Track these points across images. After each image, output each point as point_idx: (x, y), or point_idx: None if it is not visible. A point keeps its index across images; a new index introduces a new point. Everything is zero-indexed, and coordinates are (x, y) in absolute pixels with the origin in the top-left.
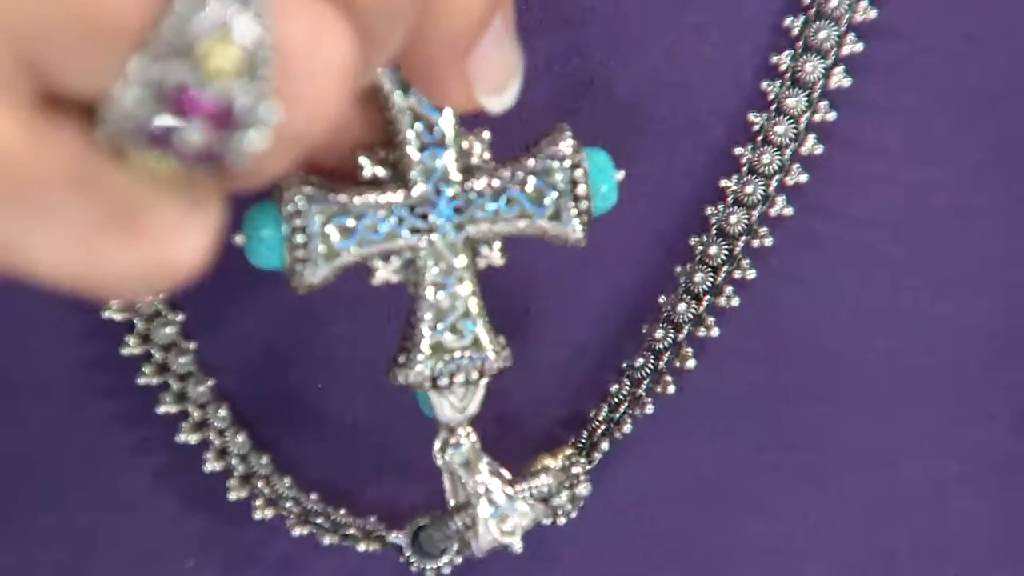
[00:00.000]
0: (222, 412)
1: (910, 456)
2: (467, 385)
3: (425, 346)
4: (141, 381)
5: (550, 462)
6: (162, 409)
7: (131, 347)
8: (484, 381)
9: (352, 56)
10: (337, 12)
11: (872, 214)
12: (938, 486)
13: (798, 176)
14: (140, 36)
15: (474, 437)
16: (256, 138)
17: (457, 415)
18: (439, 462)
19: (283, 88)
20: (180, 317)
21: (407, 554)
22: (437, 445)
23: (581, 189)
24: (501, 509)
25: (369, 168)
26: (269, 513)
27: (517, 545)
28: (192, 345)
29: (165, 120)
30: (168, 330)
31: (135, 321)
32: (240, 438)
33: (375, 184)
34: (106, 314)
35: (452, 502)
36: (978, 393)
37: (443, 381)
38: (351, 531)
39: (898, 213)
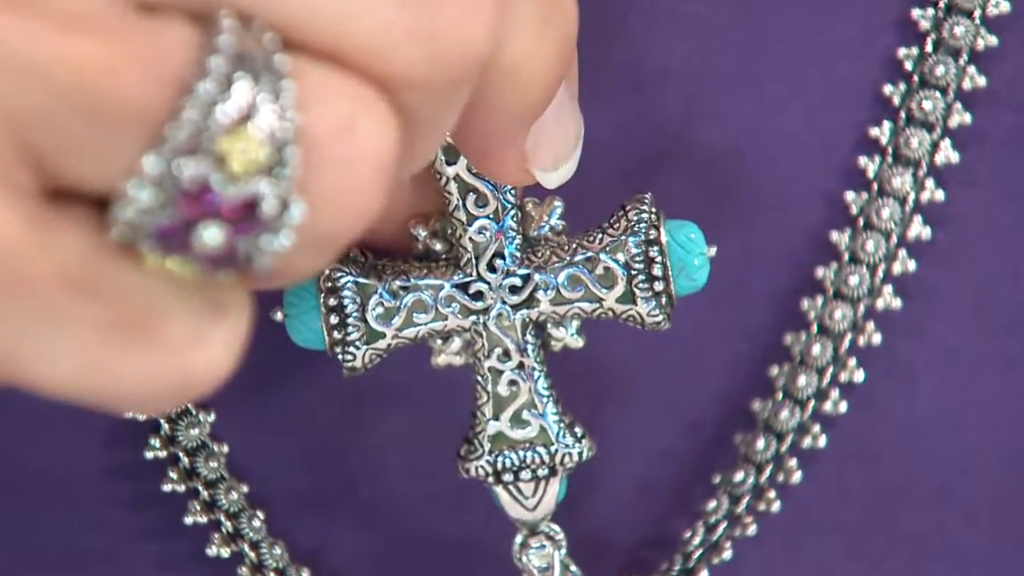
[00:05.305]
0: (256, 523)
1: (1020, 561)
2: (535, 480)
3: (485, 438)
4: (167, 488)
5: None
6: (190, 519)
7: (155, 450)
8: (558, 477)
9: (392, 143)
10: (376, 93)
11: (982, 302)
12: None
13: (906, 263)
14: (157, 127)
15: (561, 540)
16: (282, 239)
17: (527, 513)
18: (516, 562)
19: (312, 181)
20: (211, 417)
21: None
22: (517, 543)
23: (657, 268)
24: None
25: (423, 241)
26: None
27: None
28: (224, 448)
29: (183, 221)
30: (196, 431)
31: (160, 421)
32: (277, 550)
33: (428, 259)
34: (128, 413)
35: None
36: None
37: (507, 476)
38: None
39: (1008, 303)
